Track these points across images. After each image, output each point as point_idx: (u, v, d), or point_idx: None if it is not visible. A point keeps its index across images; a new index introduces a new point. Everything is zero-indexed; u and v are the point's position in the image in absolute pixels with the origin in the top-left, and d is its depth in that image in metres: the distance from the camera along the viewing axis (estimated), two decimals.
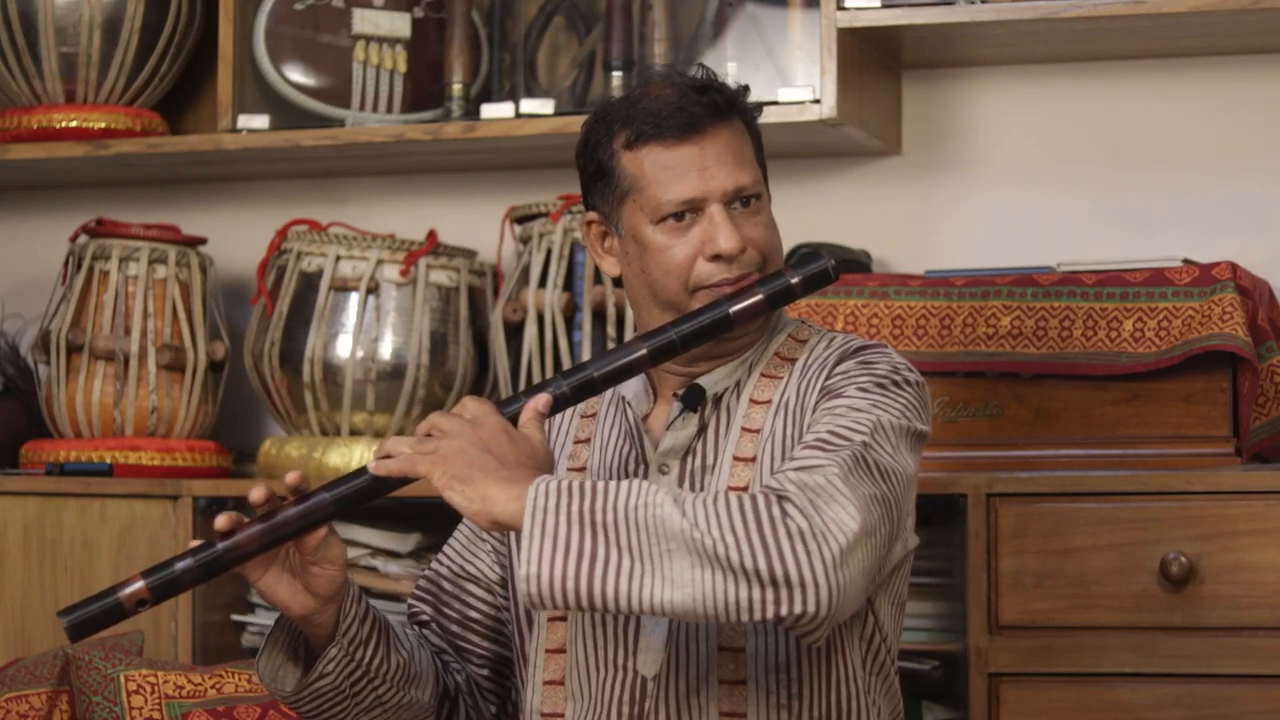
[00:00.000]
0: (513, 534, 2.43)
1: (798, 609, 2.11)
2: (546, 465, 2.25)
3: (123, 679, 2.97)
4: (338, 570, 2.29)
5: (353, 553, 3.30)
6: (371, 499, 2.28)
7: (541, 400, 2.30)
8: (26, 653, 3.28)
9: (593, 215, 2.45)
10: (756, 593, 2.10)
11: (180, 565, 2.24)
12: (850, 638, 2.36)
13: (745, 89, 2.44)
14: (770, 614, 2.11)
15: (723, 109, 2.39)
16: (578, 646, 2.39)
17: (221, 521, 2.25)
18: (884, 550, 2.23)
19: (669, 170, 2.36)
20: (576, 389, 2.33)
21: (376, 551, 3.37)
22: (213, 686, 3.00)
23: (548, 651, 2.41)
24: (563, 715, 2.39)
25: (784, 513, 2.12)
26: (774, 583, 2.10)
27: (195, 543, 2.27)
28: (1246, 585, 2.83)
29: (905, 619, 2.49)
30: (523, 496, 2.14)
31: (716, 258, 2.36)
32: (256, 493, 2.26)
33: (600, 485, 2.14)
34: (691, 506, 2.12)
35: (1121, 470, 2.96)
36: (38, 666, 3.04)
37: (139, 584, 2.22)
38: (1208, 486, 2.86)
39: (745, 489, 2.34)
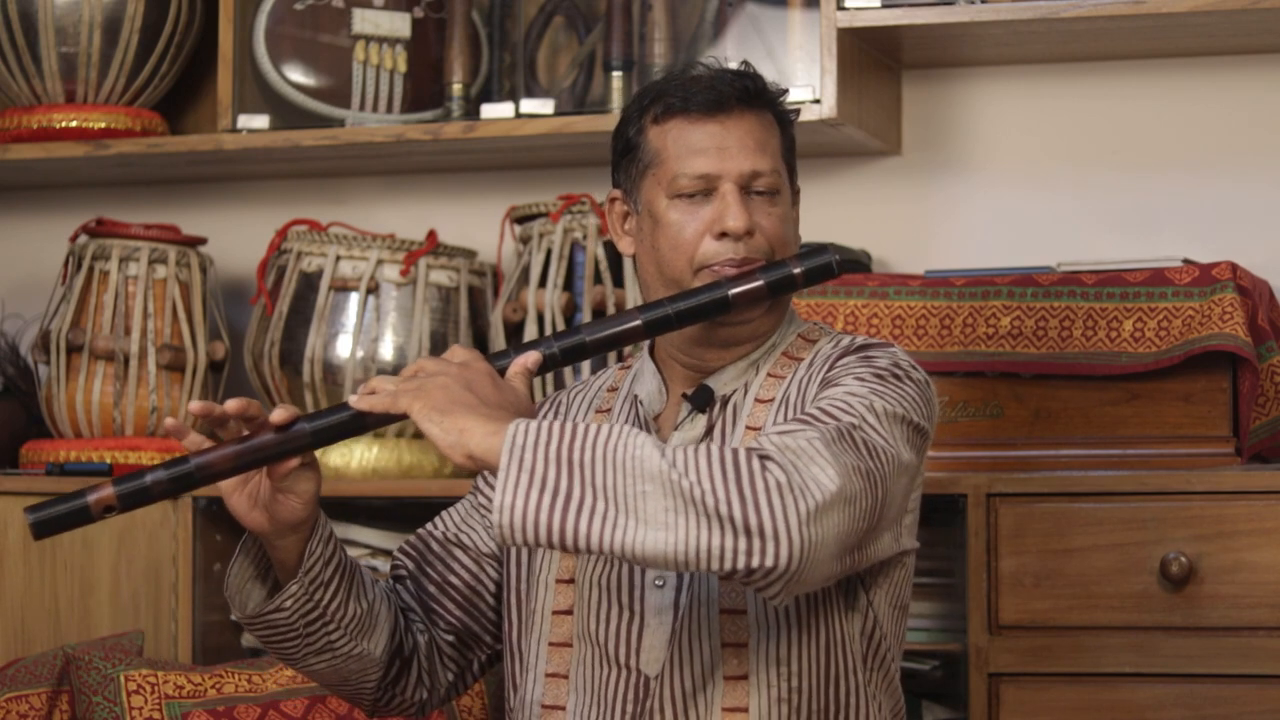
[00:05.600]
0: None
1: (768, 561, 2.09)
2: (528, 414, 2.23)
3: (123, 679, 2.97)
4: (303, 505, 2.29)
5: (352, 553, 3.30)
6: (352, 434, 2.27)
7: (531, 357, 2.29)
8: (26, 653, 3.28)
9: (616, 192, 2.48)
10: (730, 540, 2.08)
11: (151, 477, 2.22)
12: (850, 632, 2.36)
13: (784, 91, 2.47)
14: (741, 564, 2.09)
15: (753, 95, 2.42)
16: (582, 641, 2.39)
17: (170, 423, 2.25)
18: (864, 523, 2.20)
19: (689, 145, 2.39)
20: (567, 351, 2.33)
21: (376, 551, 3.37)
22: (213, 686, 3.00)
23: (551, 644, 2.42)
24: (564, 709, 2.40)
25: (764, 467, 2.11)
26: (747, 531, 2.08)
27: (169, 456, 2.25)
28: (1246, 585, 2.83)
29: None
30: (501, 433, 2.12)
31: (723, 235, 2.38)
32: (195, 405, 2.24)
33: (582, 426, 2.12)
34: (672, 451, 2.11)
35: (1121, 470, 2.96)
36: (38, 666, 3.04)
37: (108, 490, 2.21)
38: (1208, 486, 2.86)
39: None
